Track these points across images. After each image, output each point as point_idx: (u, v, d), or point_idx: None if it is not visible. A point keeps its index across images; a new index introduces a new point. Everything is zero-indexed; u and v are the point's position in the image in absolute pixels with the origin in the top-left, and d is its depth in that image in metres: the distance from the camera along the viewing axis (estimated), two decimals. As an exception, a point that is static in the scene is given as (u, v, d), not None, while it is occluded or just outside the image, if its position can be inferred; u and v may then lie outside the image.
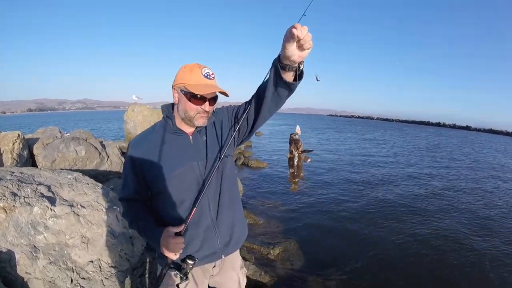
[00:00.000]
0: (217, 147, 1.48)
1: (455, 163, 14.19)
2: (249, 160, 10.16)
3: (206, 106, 1.38)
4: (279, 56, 1.17)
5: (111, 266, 2.38)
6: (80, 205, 2.51)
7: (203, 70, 1.38)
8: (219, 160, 1.41)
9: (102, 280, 2.29)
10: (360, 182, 8.64)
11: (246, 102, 1.49)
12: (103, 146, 5.97)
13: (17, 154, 4.86)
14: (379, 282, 3.65)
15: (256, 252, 3.96)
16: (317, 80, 1.22)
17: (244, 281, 1.89)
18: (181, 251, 1.34)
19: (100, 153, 5.62)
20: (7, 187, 2.27)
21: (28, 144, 5.46)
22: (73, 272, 2.22)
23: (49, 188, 2.50)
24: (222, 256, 1.53)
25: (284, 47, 1.08)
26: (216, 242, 1.49)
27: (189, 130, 1.47)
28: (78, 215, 2.40)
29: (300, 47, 1.08)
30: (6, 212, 2.16)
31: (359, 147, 18.54)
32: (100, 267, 2.33)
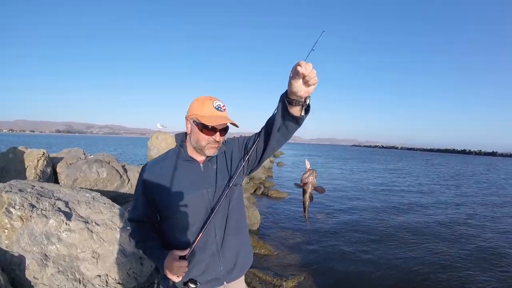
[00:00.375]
0: (226, 176, 1.51)
1: (481, 190, 13.72)
2: (269, 190, 10.07)
3: (217, 136, 1.43)
4: (286, 91, 1.21)
5: (118, 283, 2.40)
6: (95, 222, 2.57)
7: (214, 102, 1.44)
8: (228, 188, 1.44)
9: (107, 296, 2.30)
10: (382, 213, 8.45)
11: (256, 134, 1.54)
12: (125, 169, 6.15)
13: (40, 170, 5.10)
14: None
15: (268, 283, 3.85)
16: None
17: None
18: (184, 275, 1.35)
19: (121, 176, 5.78)
20: (27, 199, 2.39)
21: (53, 162, 5.73)
22: (79, 283, 2.26)
23: (66, 203, 2.59)
24: (225, 282, 1.52)
25: (290, 84, 1.12)
26: (220, 268, 1.49)
27: (200, 158, 1.51)
28: (91, 231, 2.46)
29: (306, 83, 1.10)
30: (23, 221, 2.26)
31: (382, 177, 18.10)
32: (107, 282, 2.35)
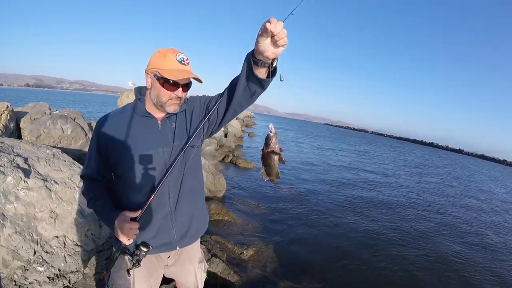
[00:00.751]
0: (185, 136, 1.44)
1: (443, 182, 14.53)
2: (238, 159, 10.11)
3: (179, 92, 1.35)
4: (253, 50, 1.14)
5: (76, 244, 2.38)
6: (54, 180, 2.50)
7: (177, 55, 1.34)
8: (185, 149, 1.39)
9: (65, 257, 2.29)
10: (347, 193, 8.65)
11: (219, 94, 1.46)
12: (91, 127, 5.95)
13: (3, 125, 4.85)
14: None
15: (229, 250, 3.94)
16: (281, 80, 1.19)
17: (202, 276, 1.87)
18: (134, 237, 1.32)
19: (86, 134, 5.60)
20: (-15, 154, 2.27)
21: (17, 117, 5.44)
22: (37, 244, 2.21)
23: (26, 160, 2.49)
24: (177, 247, 1.51)
25: (257, 42, 1.05)
26: (172, 232, 1.47)
27: (158, 115, 1.43)
28: (50, 190, 2.39)
29: (275, 44, 1.04)
30: (-21, 178, 2.16)
31: (349, 157, 18.64)
32: (64, 243, 2.32)
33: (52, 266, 2.23)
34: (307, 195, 7.87)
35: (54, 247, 2.29)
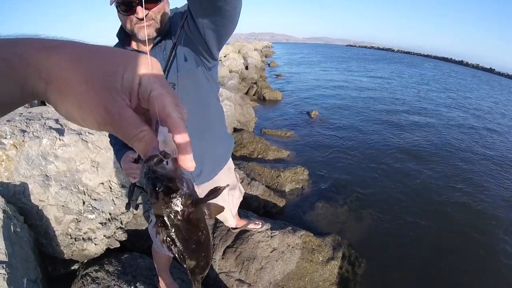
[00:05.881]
0: (177, 63, 1.24)
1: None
2: (262, 89, 9.95)
3: (139, 12, 1.09)
4: None
5: (121, 186, 2.53)
6: (88, 132, 2.58)
7: None
8: (177, 79, 1.24)
9: (113, 200, 2.45)
10: (382, 121, 7.84)
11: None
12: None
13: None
14: (388, 215, 3.70)
15: (267, 174, 4.06)
16: None
17: (235, 201, 1.94)
18: (138, 178, 1.32)
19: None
20: (16, 126, 2.35)
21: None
22: (84, 194, 2.36)
23: (56, 121, 2.57)
24: (195, 184, 1.49)
25: None
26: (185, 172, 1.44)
27: (145, 47, 1.24)
28: (86, 141, 2.48)
29: None
30: (17, 148, 2.26)
31: (381, 80, 17.50)
32: (110, 188, 2.47)
33: (102, 212, 2.41)
34: (340, 120, 7.66)
35: (101, 193, 2.44)
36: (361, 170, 4.78)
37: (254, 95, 9.96)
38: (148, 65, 0.35)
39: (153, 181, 0.35)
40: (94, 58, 0.33)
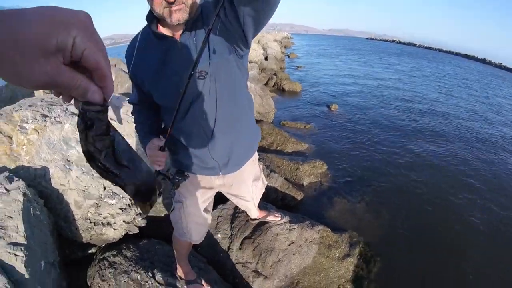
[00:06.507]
0: (206, 51, 1.16)
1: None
2: (282, 81, 9.83)
3: None
4: None
5: (146, 171, 2.51)
6: (110, 118, 2.58)
7: None
8: (209, 67, 1.18)
9: (134, 185, 2.45)
10: (402, 117, 7.52)
11: None
12: (134, 70, 6.04)
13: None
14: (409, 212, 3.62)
15: (286, 166, 4.01)
16: None
17: (257, 193, 1.92)
18: (162, 166, 1.28)
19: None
20: (38, 111, 2.36)
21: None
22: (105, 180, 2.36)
23: (81, 108, 2.58)
24: (220, 173, 1.47)
25: None
26: (212, 161, 1.40)
27: (175, 32, 1.18)
28: (108, 127, 2.48)
29: None
30: (38, 132, 2.27)
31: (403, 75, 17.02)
32: (132, 173, 2.46)
33: (123, 197, 2.40)
34: (360, 114, 7.47)
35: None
36: (381, 166, 4.66)
37: (273, 86, 9.87)
38: (82, 27, 0.38)
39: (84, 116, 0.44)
40: (26, 25, 0.34)
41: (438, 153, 5.24)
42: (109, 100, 0.45)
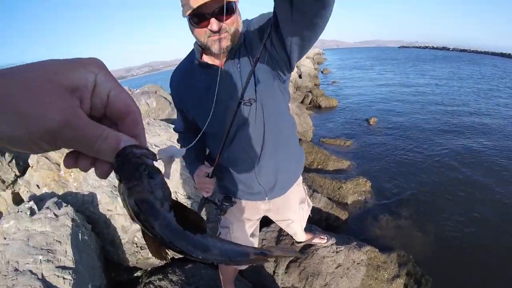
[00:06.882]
0: (254, 78, 1.17)
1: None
2: (318, 98, 9.76)
3: (213, 24, 1.03)
4: None
5: (187, 197, 2.54)
6: (154, 145, 2.65)
7: None
8: (255, 94, 1.17)
9: (179, 211, 2.48)
10: (444, 126, 7.03)
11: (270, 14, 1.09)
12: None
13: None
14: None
15: (328, 185, 3.91)
16: None
17: (304, 215, 1.87)
18: (210, 191, 1.29)
19: (170, 103, 5.89)
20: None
21: (103, 105, 6.00)
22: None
23: (124, 135, 2.68)
24: (266, 198, 1.44)
25: None
26: (258, 186, 1.38)
27: (218, 60, 1.19)
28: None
29: None
30: (87, 160, 2.38)
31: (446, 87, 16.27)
32: (177, 198, 2.48)
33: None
34: (400, 126, 7.16)
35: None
36: (426, 180, 4.40)
37: (309, 103, 9.82)
38: (102, 65, 0.32)
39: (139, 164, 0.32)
40: (36, 68, 0.28)
41: (486, 163, 4.85)
42: (158, 151, 0.38)
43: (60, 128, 0.27)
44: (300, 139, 5.65)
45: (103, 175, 0.35)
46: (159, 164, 0.36)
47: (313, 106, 9.60)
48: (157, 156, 0.37)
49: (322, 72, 21.27)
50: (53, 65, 0.28)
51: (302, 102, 9.69)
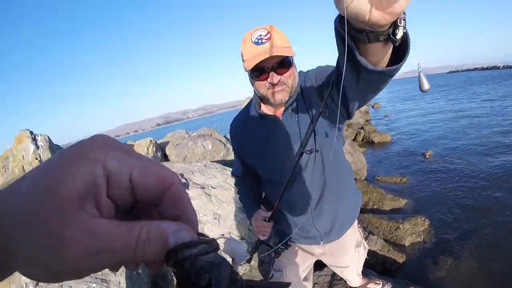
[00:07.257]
0: (314, 129, 1.20)
1: None
2: (370, 134, 9.57)
3: (273, 77, 1.12)
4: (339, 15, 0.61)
5: (241, 238, 2.62)
6: (211, 186, 2.82)
7: (253, 35, 1.11)
8: (315, 143, 1.23)
9: (232, 252, 2.57)
10: (504, 153, 6.46)
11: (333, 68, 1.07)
12: (227, 139, 6.57)
13: (152, 156, 5.77)
14: None
15: (384, 226, 3.76)
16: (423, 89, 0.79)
17: (360, 259, 1.81)
18: (266, 236, 1.36)
19: (225, 145, 6.18)
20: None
21: (161, 147, 6.43)
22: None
23: (182, 175, 2.88)
24: (321, 242, 1.46)
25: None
26: (314, 230, 1.41)
27: (276, 111, 1.28)
28: (209, 195, 2.71)
29: None
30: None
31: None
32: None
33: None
34: (459, 157, 6.66)
35: (222, 245, 2.57)
36: (489, 216, 4.01)
37: (362, 140, 9.65)
38: (101, 148, 0.24)
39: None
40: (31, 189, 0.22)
41: None
42: (223, 245, 0.31)
43: (90, 257, 0.21)
44: (354, 178, 5.53)
45: (157, 270, 0.29)
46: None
47: (366, 142, 9.41)
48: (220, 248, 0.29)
49: (372, 106, 20.84)
50: (47, 178, 0.22)
51: (354, 139, 9.57)
